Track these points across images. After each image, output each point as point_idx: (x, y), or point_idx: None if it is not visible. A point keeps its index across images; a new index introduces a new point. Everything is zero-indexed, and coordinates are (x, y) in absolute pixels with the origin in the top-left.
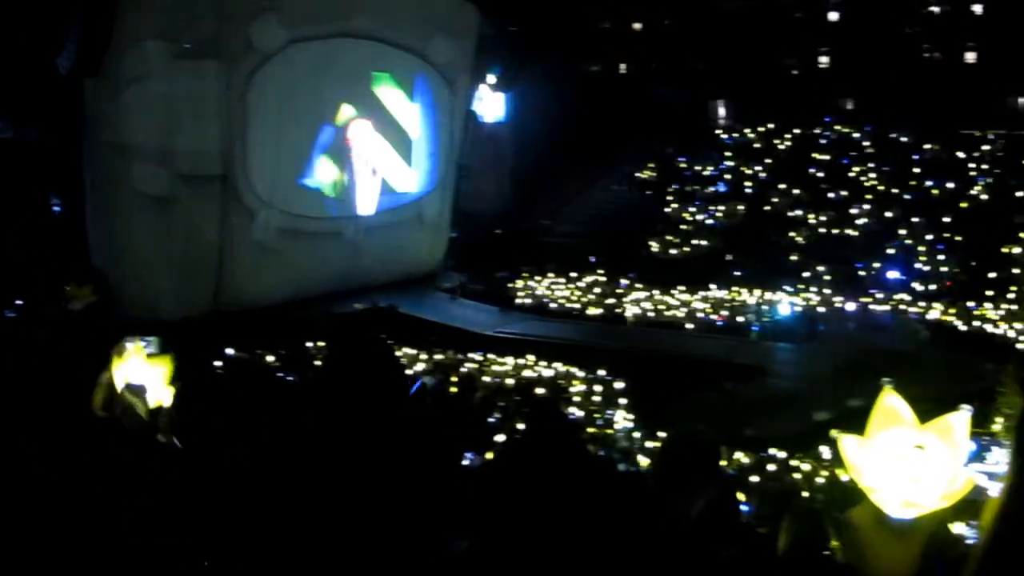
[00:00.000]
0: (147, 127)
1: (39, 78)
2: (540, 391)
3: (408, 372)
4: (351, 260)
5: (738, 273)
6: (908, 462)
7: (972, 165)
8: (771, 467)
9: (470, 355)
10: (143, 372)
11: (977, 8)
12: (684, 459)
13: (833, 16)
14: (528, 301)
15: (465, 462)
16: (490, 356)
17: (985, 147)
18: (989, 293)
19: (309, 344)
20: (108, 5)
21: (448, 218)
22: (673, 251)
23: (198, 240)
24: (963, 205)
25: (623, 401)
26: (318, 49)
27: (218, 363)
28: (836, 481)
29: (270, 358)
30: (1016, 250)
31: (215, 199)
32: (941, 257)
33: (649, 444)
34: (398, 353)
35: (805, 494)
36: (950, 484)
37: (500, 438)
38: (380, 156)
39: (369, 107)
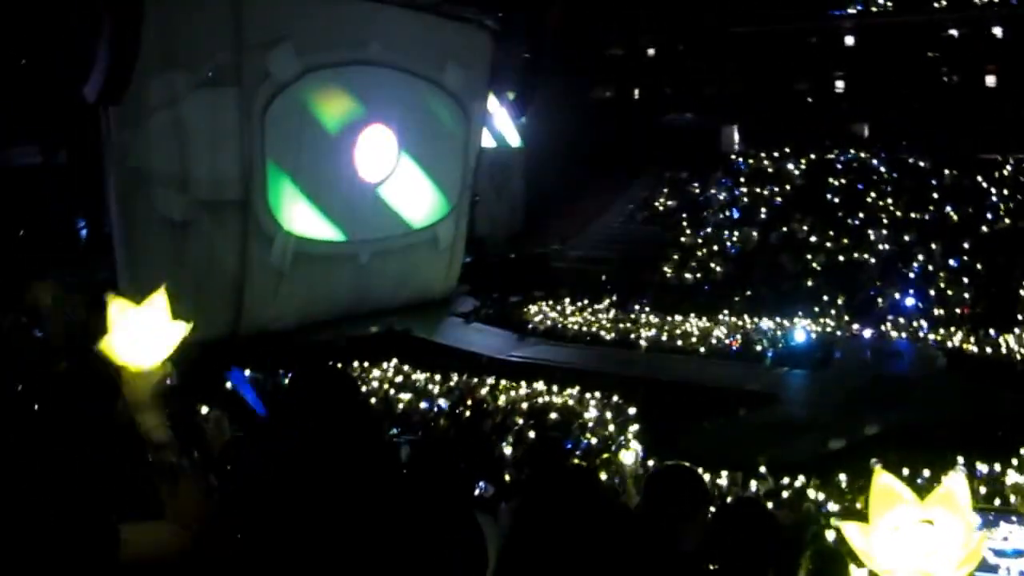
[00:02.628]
0: (168, 154)
1: (66, 106)
2: (553, 416)
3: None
4: (366, 284)
5: (752, 299)
6: (918, 539)
7: (992, 190)
8: (785, 494)
9: (484, 379)
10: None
11: (997, 31)
12: (670, 493)
13: (849, 40)
14: (541, 326)
15: (478, 491)
16: (503, 381)
17: (1005, 171)
18: (1009, 320)
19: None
20: (133, 35)
21: (463, 243)
22: (687, 276)
23: (217, 265)
24: (983, 230)
25: (636, 427)
26: (333, 77)
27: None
28: (853, 511)
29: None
30: None
31: (234, 224)
32: (959, 283)
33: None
34: (415, 376)
35: (828, 534)
36: (966, 549)
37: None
38: (394, 181)
39: (383, 132)
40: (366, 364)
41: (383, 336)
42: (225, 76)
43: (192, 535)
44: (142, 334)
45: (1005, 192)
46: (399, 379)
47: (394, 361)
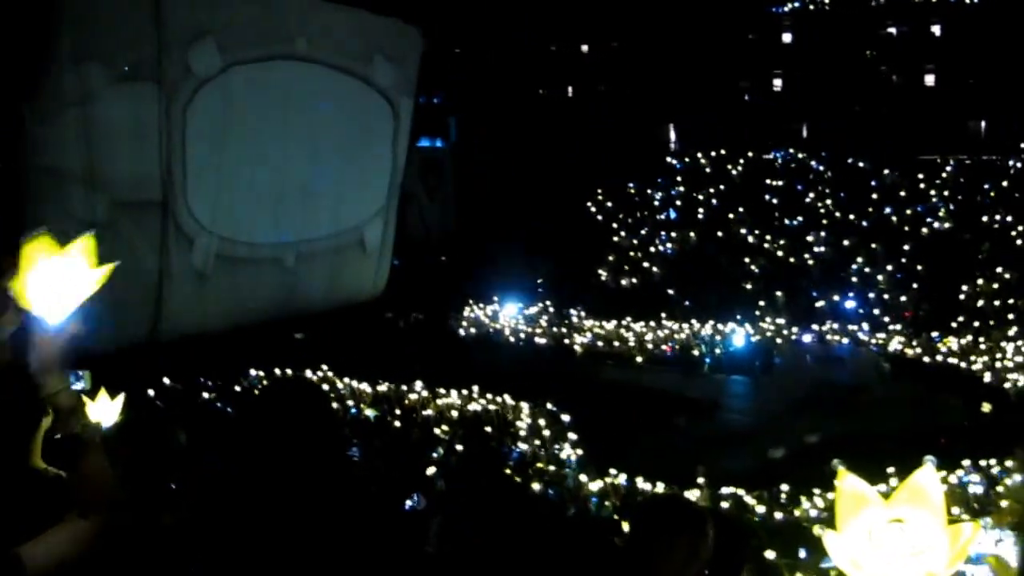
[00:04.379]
0: (84, 152)
1: None
2: (487, 429)
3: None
4: (292, 287)
5: (690, 303)
6: (895, 540)
7: (933, 192)
8: (725, 506)
9: (413, 386)
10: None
11: (936, 29)
12: (652, 528)
13: (787, 38)
14: (474, 330)
15: (408, 504)
16: (434, 387)
17: (945, 173)
18: (952, 324)
19: (252, 372)
20: (47, 27)
21: (391, 245)
22: (623, 280)
23: (135, 268)
24: (924, 232)
25: (572, 436)
26: (257, 72)
27: (152, 393)
28: (794, 524)
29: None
30: (980, 280)
31: (153, 225)
32: (901, 287)
33: (597, 483)
34: (339, 384)
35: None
36: (953, 541)
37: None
38: (320, 180)
39: (309, 131)
40: (289, 372)
41: (307, 341)
42: (145, 71)
43: (97, 526)
44: (57, 281)
45: (946, 194)
46: (325, 387)
47: (320, 369)
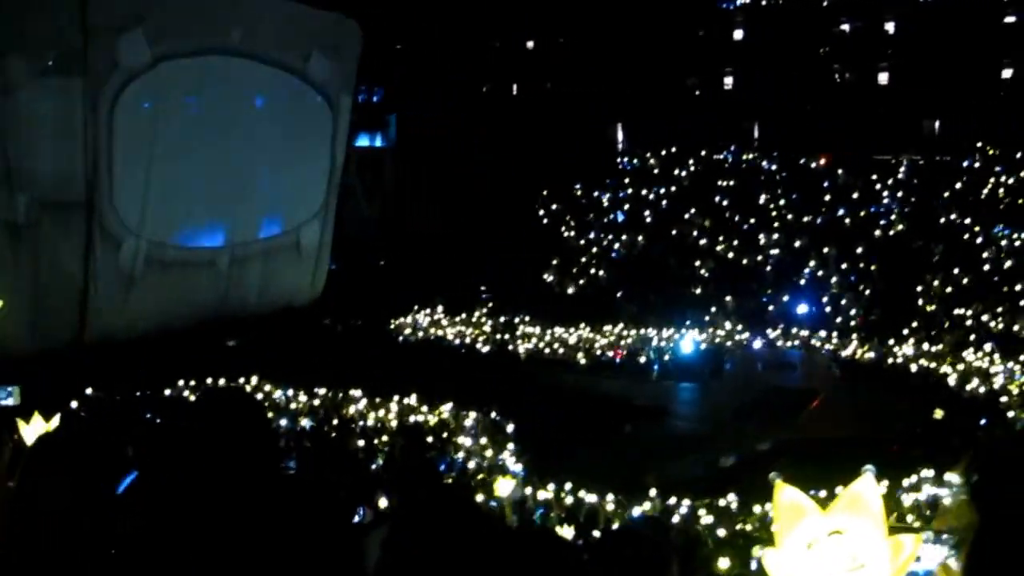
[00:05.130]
0: (5, 148)
1: None
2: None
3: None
4: (224, 292)
5: (638, 308)
6: (835, 553)
7: (886, 193)
8: (674, 518)
9: (352, 395)
10: None
11: (890, 27)
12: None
13: (738, 35)
14: (414, 334)
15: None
16: (372, 395)
17: (899, 174)
18: (906, 328)
19: (180, 383)
20: None
21: (329, 247)
22: (569, 284)
23: (59, 270)
24: (877, 234)
25: (513, 445)
26: (190, 67)
27: (75, 404)
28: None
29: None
30: (934, 283)
31: (78, 226)
32: (853, 290)
33: (543, 494)
34: (275, 394)
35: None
36: (894, 554)
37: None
38: (255, 181)
39: (244, 129)
40: (222, 381)
41: (241, 348)
42: (70, 63)
43: None
44: None
45: (899, 195)
46: (259, 396)
47: (254, 377)
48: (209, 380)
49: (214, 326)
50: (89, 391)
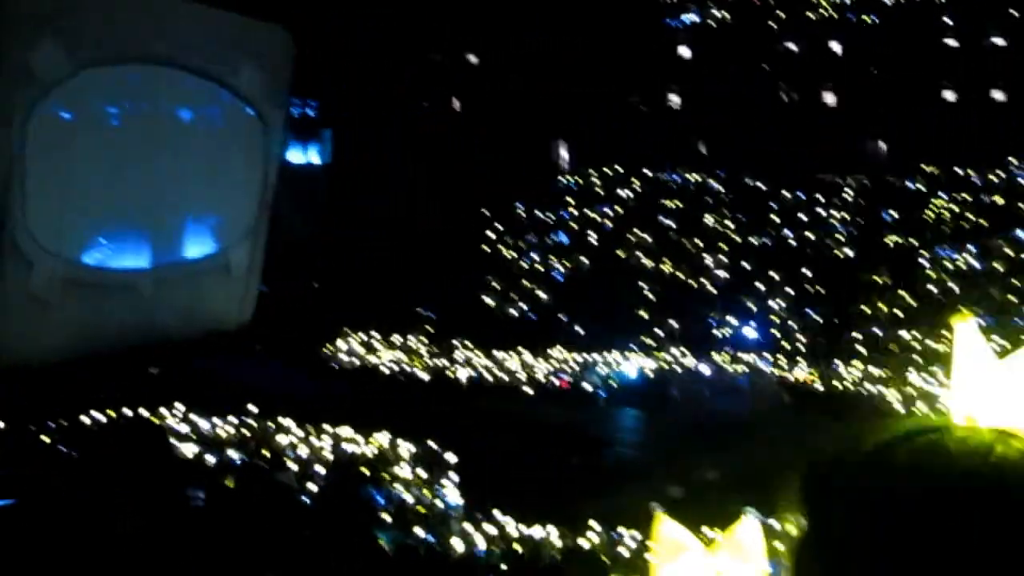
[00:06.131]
0: None
1: None
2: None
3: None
4: (149, 315)
5: (582, 332)
6: None
7: (833, 213)
8: (622, 551)
9: (280, 423)
10: None
11: (836, 47)
12: None
13: (685, 52)
14: (348, 361)
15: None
16: (304, 425)
17: (846, 194)
18: (852, 351)
19: (95, 413)
20: None
21: (259, 269)
22: (510, 307)
23: None
24: (823, 256)
25: (454, 476)
26: (111, 77)
27: None
28: None
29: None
30: (880, 305)
31: None
32: (800, 313)
33: (487, 527)
34: (201, 424)
35: None
36: None
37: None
38: (181, 199)
39: (168, 143)
40: (142, 411)
41: (163, 376)
42: None
43: None
44: None
45: (846, 216)
46: (183, 428)
47: (178, 406)
48: (127, 410)
49: (135, 351)
50: None
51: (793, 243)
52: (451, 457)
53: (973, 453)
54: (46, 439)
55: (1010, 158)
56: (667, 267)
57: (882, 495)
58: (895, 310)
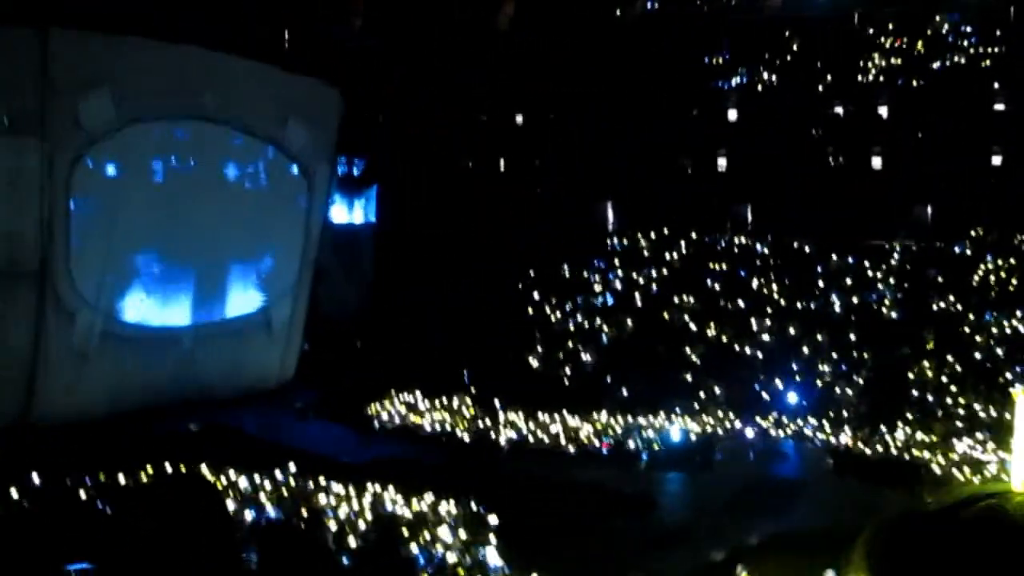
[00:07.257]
0: None
1: None
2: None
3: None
4: (190, 371)
5: (626, 394)
6: None
7: (879, 278)
8: None
9: (322, 483)
10: None
11: (883, 111)
12: None
13: (732, 115)
14: (391, 423)
15: None
16: (348, 486)
17: (892, 260)
18: (898, 417)
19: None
20: None
21: (301, 327)
22: (554, 369)
23: (4, 343)
24: (870, 321)
25: (494, 539)
26: (159, 132)
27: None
28: None
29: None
30: (927, 371)
31: (27, 296)
32: (846, 378)
33: None
34: (240, 481)
35: None
36: None
37: None
38: (224, 255)
39: (213, 199)
40: (182, 467)
41: (204, 433)
42: (28, 122)
43: None
44: None
45: (892, 281)
46: (222, 484)
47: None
48: (168, 466)
49: (175, 407)
50: (35, 476)
51: (839, 307)
52: (493, 519)
53: None
54: (83, 494)
55: None
56: (713, 330)
57: (946, 558)
58: (942, 376)
